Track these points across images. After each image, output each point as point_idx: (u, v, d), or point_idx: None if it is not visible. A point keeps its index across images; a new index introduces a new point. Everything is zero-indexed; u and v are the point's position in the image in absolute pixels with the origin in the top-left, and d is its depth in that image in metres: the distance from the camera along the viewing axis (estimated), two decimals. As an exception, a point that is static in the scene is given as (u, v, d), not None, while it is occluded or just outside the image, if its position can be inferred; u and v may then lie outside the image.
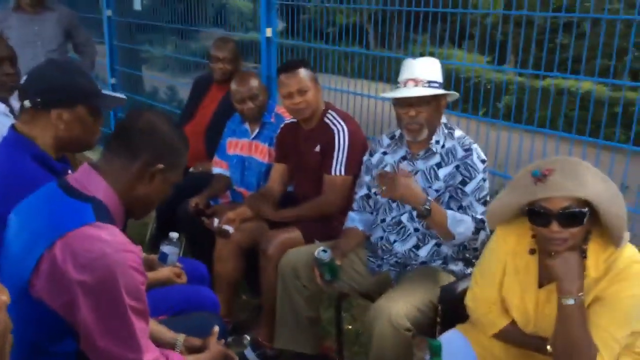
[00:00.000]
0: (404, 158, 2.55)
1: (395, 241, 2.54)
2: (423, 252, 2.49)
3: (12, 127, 1.95)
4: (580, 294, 1.69)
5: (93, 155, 5.06)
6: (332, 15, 4.10)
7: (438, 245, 2.48)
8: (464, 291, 2.10)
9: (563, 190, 1.65)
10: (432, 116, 2.41)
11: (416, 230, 2.49)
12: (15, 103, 2.88)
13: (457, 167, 2.41)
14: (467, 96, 3.21)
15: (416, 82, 2.37)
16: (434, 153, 2.47)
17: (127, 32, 6.04)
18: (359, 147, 2.93)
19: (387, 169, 2.56)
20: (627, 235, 1.72)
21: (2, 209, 1.66)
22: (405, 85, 2.40)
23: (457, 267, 2.50)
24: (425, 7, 3.29)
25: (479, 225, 2.34)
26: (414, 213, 2.42)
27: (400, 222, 2.52)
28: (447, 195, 2.42)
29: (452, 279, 2.43)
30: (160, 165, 1.58)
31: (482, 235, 2.36)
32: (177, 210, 3.33)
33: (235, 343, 2.92)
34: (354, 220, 2.69)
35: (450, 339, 1.97)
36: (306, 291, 2.62)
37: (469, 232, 2.32)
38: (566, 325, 1.70)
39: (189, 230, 3.35)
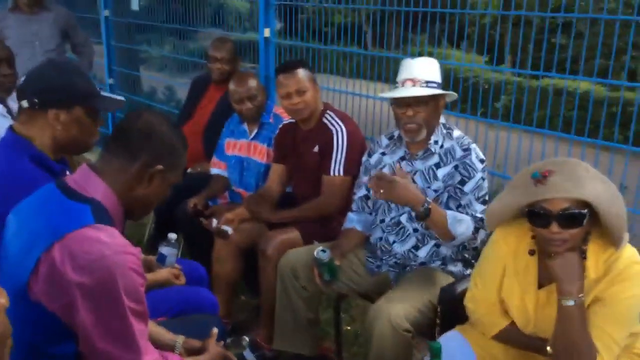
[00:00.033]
0: (402, 158, 2.55)
1: (394, 242, 2.53)
2: (422, 253, 2.49)
3: (10, 128, 1.95)
4: (580, 295, 1.69)
5: (92, 156, 5.04)
6: (330, 15, 4.09)
7: (437, 246, 2.48)
8: (464, 292, 2.10)
9: (563, 191, 1.65)
10: (430, 116, 2.41)
11: (415, 230, 2.49)
12: (13, 104, 2.87)
13: (456, 167, 2.41)
14: (466, 96, 3.21)
15: (414, 82, 2.37)
16: (433, 153, 2.47)
17: (125, 33, 6.03)
18: (357, 147, 2.92)
19: (386, 169, 2.56)
20: (626, 236, 1.72)
21: (0, 209, 1.66)
22: (403, 85, 2.39)
23: (456, 268, 2.50)
24: (423, 7, 3.29)
25: (479, 224, 2.34)
26: (413, 214, 2.42)
27: (399, 222, 2.52)
28: (445, 195, 2.41)
29: (451, 280, 2.43)
30: (160, 166, 1.58)
31: (481, 234, 2.36)
32: (175, 211, 3.33)
33: (234, 344, 2.91)
34: (353, 220, 2.69)
35: (450, 340, 1.97)
36: (305, 292, 2.61)
37: (469, 231, 2.32)
38: (566, 326, 1.70)
39: (187, 231, 3.34)
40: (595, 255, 1.75)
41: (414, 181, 2.46)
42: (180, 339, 1.91)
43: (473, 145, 2.44)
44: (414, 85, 2.37)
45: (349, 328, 3.21)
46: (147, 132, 1.58)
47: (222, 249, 3.01)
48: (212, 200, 3.48)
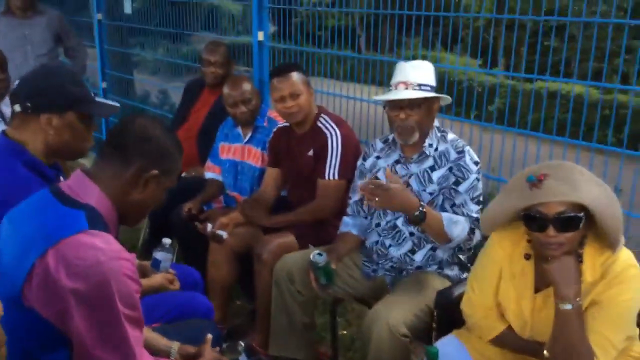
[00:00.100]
0: (397, 162, 2.55)
1: (390, 245, 2.53)
2: (418, 257, 2.49)
3: (3, 132, 1.94)
4: (577, 299, 1.69)
5: (87, 162, 5.03)
6: (324, 18, 4.09)
7: (433, 249, 2.48)
8: (460, 296, 2.10)
9: (558, 195, 1.65)
10: (423, 119, 2.41)
11: (411, 234, 2.48)
12: (6, 109, 2.86)
13: (450, 169, 2.41)
14: (460, 99, 3.21)
15: (407, 85, 2.37)
16: (428, 156, 2.47)
17: (118, 36, 6.01)
18: (352, 151, 2.92)
19: (381, 173, 2.56)
20: (622, 239, 1.72)
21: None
22: (396, 88, 2.40)
23: (452, 271, 2.50)
24: (416, 10, 3.29)
25: (474, 225, 2.34)
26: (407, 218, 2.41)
27: (395, 226, 2.52)
28: (440, 197, 2.42)
29: (447, 283, 2.42)
30: (155, 171, 1.57)
31: (477, 235, 2.36)
32: (170, 215, 3.32)
33: (229, 349, 2.90)
34: (349, 224, 2.68)
35: (447, 345, 1.97)
36: (301, 297, 2.60)
37: (464, 233, 2.32)
38: (564, 330, 1.70)
39: (182, 236, 3.33)
40: (591, 258, 1.75)
41: (408, 184, 2.46)
42: (175, 345, 1.90)
43: (467, 148, 2.44)
44: (406, 88, 2.37)
45: (345, 332, 3.20)
46: (141, 137, 1.58)
47: (217, 254, 3.00)
48: (207, 205, 3.47)
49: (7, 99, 2.05)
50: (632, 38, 3.21)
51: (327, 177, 2.88)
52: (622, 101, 3.16)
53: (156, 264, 2.24)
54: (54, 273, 1.36)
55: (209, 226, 3.01)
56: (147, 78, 6.54)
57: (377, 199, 2.17)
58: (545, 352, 1.79)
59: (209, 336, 1.91)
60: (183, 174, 3.77)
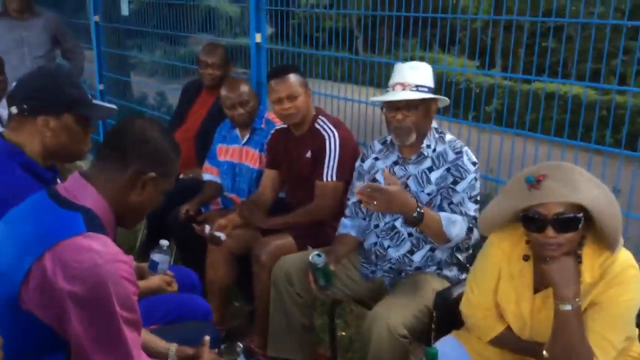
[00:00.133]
0: (395, 163, 2.55)
1: (389, 247, 2.53)
2: (417, 258, 2.49)
3: (0, 135, 1.93)
4: (577, 300, 1.69)
5: (85, 164, 5.01)
6: (321, 20, 4.09)
7: (432, 250, 2.47)
8: (459, 297, 2.10)
9: (557, 195, 1.65)
10: (420, 120, 2.41)
11: (410, 235, 2.48)
12: (2, 111, 2.85)
13: (448, 169, 2.41)
14: (458, 101, 3.21)
15: (404, 86, 2.37)
16: (426, 157, 2.47)
17: (115, 38, 6.00)
18: (350, 152, 2.92)
19: (379, 174, 2.56)
20: (622, 239, 1.72)
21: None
22: (393, 89, 2.40)
23: (451, 272, 2.50)
24: (414, 12, 3.29)
25: (472, 224, 2.34)
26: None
27: (394, 227, 2.51)
28: (438, 198, 2.41)
29: (446, 284, 2.42)
30: (152, 174, 1.56)
31: (475, 234, 2.35)
32: (167, 217, 3.31)
33: (228, 351, 2.88)
34: (347, 226, 2.68)
35: (446, 345, 1.97)
36: (299, 298, 2.60)
37: (463, 232, 2.32)
38: (563, 330, 1.70)
39: (180, 237, 3.33)
40: (590, 259, 1.75)
41: (406, 186, 2.46)
42: (173, 347, 1.90)
43: (465, 148, 2.44)
44: (404, 89, 2.37)
45: (343, 334, 3.20)
46: (139, 139, 1.57)
47: (215, 255, 3.00)
48: (205, 206, 3.46)
49: (4, 101, 2.05)
50: (629, 39, 3.21)
51: (325, 179, 2.88)
52: (619, 102, 3.16)
53: (154, 266, 2.23)
54: (51, 276, 1.35)
55: (207, 228, 3.00)
56: (145, 80, 6.53)
57: (375, 202, 2.16)
58: (544, 352, 1.79)
59: (207, 338, 1.90)
60: (181, 176, 3.76)
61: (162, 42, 5.63)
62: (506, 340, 1.93)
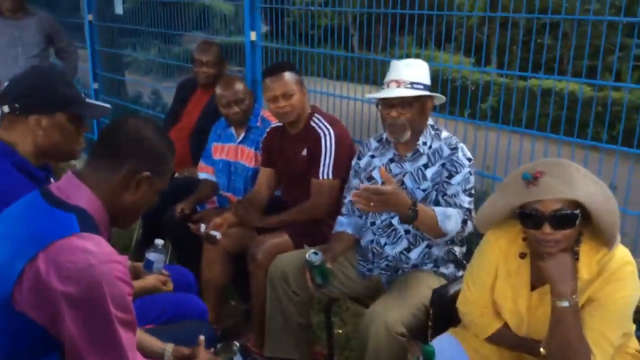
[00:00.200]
0: (392, 160, 2.54)
1: (385, 244, 2.52)
2: (414, 255, 2.48)
3: (-8, 134, 1.91)
4: (574, 296, 1.68)
5: (79, 163, 5.00)
6: (317, 18, 4.08)
7: (429, 247, 2.47)
8: (456, 294, 2.09)
9: (555, 192, 1.65)
10: (415, 118, 2.40)
11: (407, 232, 2.47)
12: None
13: (443, 164, 2.41)
14: (454, 98, 3.21)
15: (399, 83, 2.37)
16: (421, 154, 2.47)
17: (109, 37, 5.98)
18: (345, 150, 2.91)
19: (375, 172, 2.55)
20: (619, 236, 1.71)
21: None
22: (388, 87, 2.40)
23: (448, 270, 2.49)
24: (409, 9, 3.28)
25: (466, 216, 2.33)
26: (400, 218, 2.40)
27: (390, 224, 2.50)
28: (434, 193, 2.41)
29: (443, 282, 2.42)
30: (147, 173, 1.55)
31: (469, 226, 2.35)
32: (163, 216, 3.30)
33: (224, 350, 2.88)
34: (343, 224, 2.67)
35: (443, 343, 1.97)
36: (296, 297, 2.59)
37: (458, 225, 2.31)
38: (560, 327, 1.69)
39: (175, 237, 3.31)
40: (587, 256, 1.74)
41: (403, 183, 2.46)
42: (169, 347, 1.89)
43: (461, 145, 2.44)
44: (398, 87, 2.37)
45: (340, 332, 3.19)
46: (133, 138, 1.56)
47: (211, 254, 2.98)
48: (200, 205, 3.45)
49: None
50: (625, 36, 3.21)
51: (321, 177, 2.87)
52: (616, 98, 3.16)
53: (149, 265, 2.22)
54: (45, 276, 1.34)
55: (203, 227, 2.99)
56: (139, 79, 6.52)
57: (371, 204, 2.14)
58: (541, 349, 1.79)
59: (202, 338, 1.90)
60: (176, 175, 3.75)
61: (157, 40, 5.61)
62: (503, 337, 1.93)
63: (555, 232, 1.67)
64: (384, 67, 2.48)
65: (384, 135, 2.58)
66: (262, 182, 3.16)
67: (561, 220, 1.66)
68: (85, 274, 1.34)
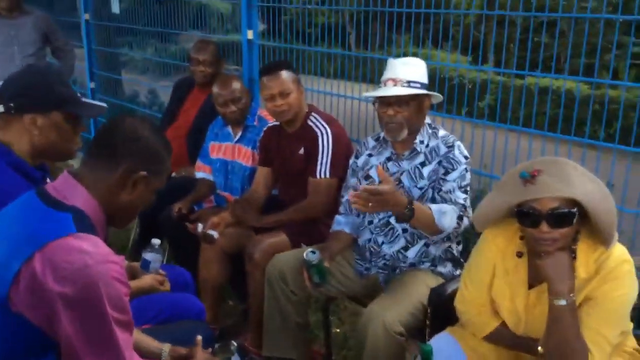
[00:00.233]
0: (389, 159, 2.54)
1: (383, 243, 2.52)
2: (411, 254, 2.48)
3: (-13, 134, 1.91)
4: (571, 295, 1.68)
5: (76, 163, 4.98)
6: (314, 16, 4.07)
7: (427, 245, 2.47)
8: (453, 293, 2.09)
9: (552, 190, 1.65)
10: (412, 116, 2.40)
11: (405, 231, 2.47)
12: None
13: (440, 162, 2.41)
14: (451, 96, 3.20)
15: (395, 81, 2.37)
16: (419, 153, 2.47)
17: (106, 36, 5.96)
18: (342, 149, 2.91)
19: (372, 170, 2.55)
20: (616, 234, 1.71)
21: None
22: (385, 85, 2.40)
23: (445, 269, 2.49)
24: (406, 7, 3.28)
25: (462, 211, 2.33)
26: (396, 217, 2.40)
27: (388, 223, 2.50)
28: (430, 191, 2.41)
29: (440, 281, 2.42)
30: (143, 172, 1.54)
31: (464, 221, 2.34)
32: (160, 216, 3.29)
33: (222, 350, 2.87)
34: (341, 223, 2.66)
35: (441, 342, 1.96)
36: (294, 296, 2.58)
37: (454, 222, 2.31)
38: (558, 326, 1.69)
39: (172, 236, 3.31)
40: (585, 254, 1.74)
41: (400, 181, 2.45)
42: (166, 347, 1.88)
43: (458, 143, 2.44)
44: (395, 85, 2.36)
45: (338, 331, 3.19)
46: (130, 138, 1.55)
47: (208, 254, 2.98)
48: (198, 205, 3.44)
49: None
50: (622, 34, 3.21)
51: (318, 176, 2.87)
52: (613, 96, 3.16)
53: (145, 265, 2.22)
54: (41, 277, 1.33)
55: (200, 226, 2.98)
56: (136, 78, 6.50)
57: (370, 204, 2.13)
58: (539, 348, 1.79)
59: (199, 337, 1.89)
60: (173, 174, 3.74)
61: (153, 39, 5.60)
62: (501, 336, 1.93)
63: (552, 230, 1.67)
64: (381, 66, 2.48)
65: (381, 134, 2.57)
66: (259, 181, 3.15)
67: (558, 218, 1.66)
68: (82, 274, 1.34)
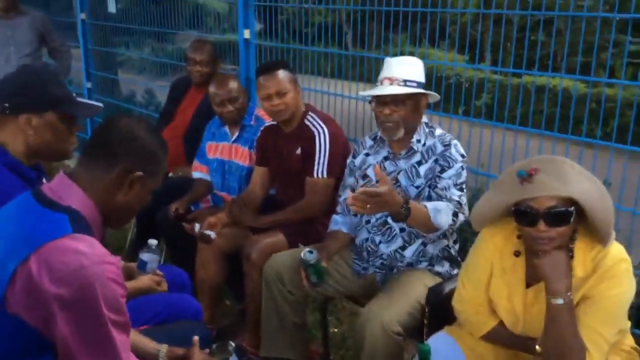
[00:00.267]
0: (386, 158, 2.54)
1: (380, 242, 2.51)
2: (409, 253, 2.47)
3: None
4: (569, 294, 1.68)
5: (72, 163, 4.97)
6: (310, 15, 4.07)
7: (424, 244, 2.46)
8: (451, 292, 2.09)
9: (549, 189, 1.64)
10: (408, 115, 2.40)
11: (402, 230, 2.47)
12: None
13: (436, 160, 2.41)
14: (447, 95, 3.20)
15: (392, 81, 2.36)
16: (415, 152, 2.47)
17: (102, 36, 5.96)
18: (340, 149, 2.90)
19: (370, 170, 2.54)
20: (613, 233, 1.71)
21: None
22: (381, 84, 2.39)
23: (443, 268, 2.49)
24: (403, 6, 3.28)
25: (457, 208, 2.32)
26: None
27: (385, 222, 2.50)
28: (427, 190, 2.41)
29: (438, 280, 2.41)
30: (139, 173, 1.53)
31: (460, 218, 2.34)
32: (157, 216, 3.28)
33: (219, 350, 2.87)
34: (338, 223, 2.66)
35: (439, 341, 1.96)
36: (291, 296, 2.58)
37: (450, 219, 2.30)
38: (555, 324, 1.69)
39: (169, 236, 3.30)
40: (582, 253, 1.74)
41: (397, 180, 2.45)
42: (163, 348, 1.88)
43: (454, 142, 2.44)
44: (391, 84, 2.36)
45: (335, 330, 3.19)
46: (126, 138, 1.55)
47: (206, 254, 2.97)
48: (195, 205, 3.43)
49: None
50: (619, 32, 3.20)
51: (315, 175, 2.86)
52: (609, 95, 3.15)
53: (142, 266, 2.21)
54: (37, 278, 1.33)
55: (197, 226, 2.98)
56: (133, 77, 6.48)
57: (368, 206, 2.11)
58: (537, 347, 1.79)
59: (196, 338, 1.89)
60: (170, 174, 3.74)
61: (150, 39, 5.58)
62: (499, 335, 1.93)
63: (549, 229, 1.66)
64: (378, 65, 2.47)
65: (379, 133, 2.57)
66: (256, 181, 3.15)
67: (556, 217, 1.66)
68: (78, 275, 1.33)
